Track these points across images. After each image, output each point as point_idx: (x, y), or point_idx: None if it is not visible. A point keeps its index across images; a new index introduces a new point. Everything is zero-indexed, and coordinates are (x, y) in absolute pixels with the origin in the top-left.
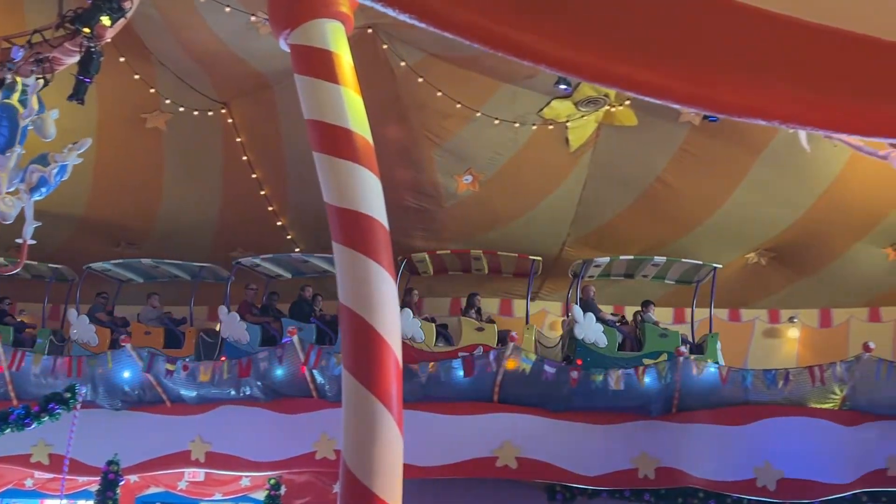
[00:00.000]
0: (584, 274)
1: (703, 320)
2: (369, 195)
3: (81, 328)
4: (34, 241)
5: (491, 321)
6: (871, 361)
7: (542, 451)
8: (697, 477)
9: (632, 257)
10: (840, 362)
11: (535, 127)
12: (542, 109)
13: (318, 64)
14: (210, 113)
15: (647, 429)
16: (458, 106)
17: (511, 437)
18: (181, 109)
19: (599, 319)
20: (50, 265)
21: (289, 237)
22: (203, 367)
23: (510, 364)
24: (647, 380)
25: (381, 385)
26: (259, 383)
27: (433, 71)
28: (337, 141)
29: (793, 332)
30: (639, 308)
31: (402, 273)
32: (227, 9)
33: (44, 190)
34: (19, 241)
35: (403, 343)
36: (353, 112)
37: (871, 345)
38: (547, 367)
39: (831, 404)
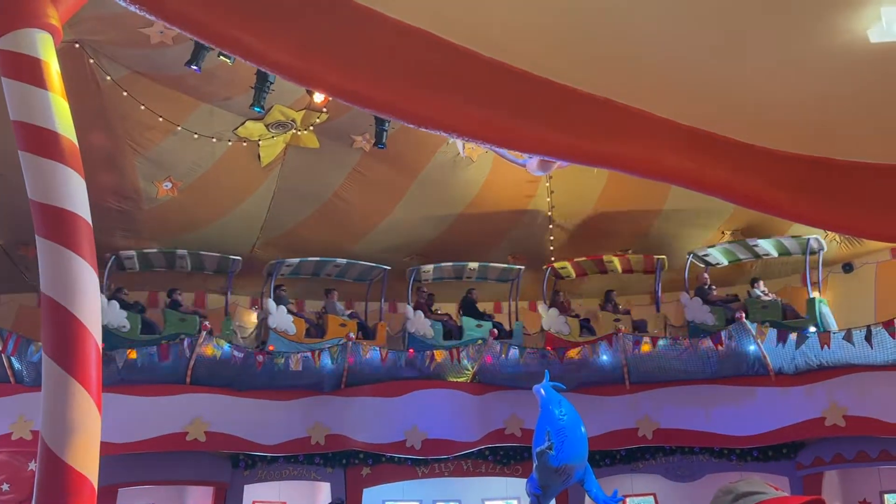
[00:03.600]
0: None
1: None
2: (73, 193)
3: (281, 318)
4: None
5: (627, 312)
6: (495, 344)
7: (229, 425)
8: (360, 441)
9: (318, 259)
10: (472, 345)
11: (230, 143)
12: (237, 128)
13: (26, 70)
14: None
15: (320, 403)
16: (161, 120)
17: (201, 413)
18: None
19: (707, 301)
20: (225, 255)
21: None
22: None
23: (208, 350)
24: (322, 361)
25: (81, 369)
26: None
27: (137, 86)
28: (43, 142)
29: None
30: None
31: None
32: None
33: None
34: None
35: (554, 336)
36: (60, 116)
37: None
38: (236, 353)
39: (464, 378)
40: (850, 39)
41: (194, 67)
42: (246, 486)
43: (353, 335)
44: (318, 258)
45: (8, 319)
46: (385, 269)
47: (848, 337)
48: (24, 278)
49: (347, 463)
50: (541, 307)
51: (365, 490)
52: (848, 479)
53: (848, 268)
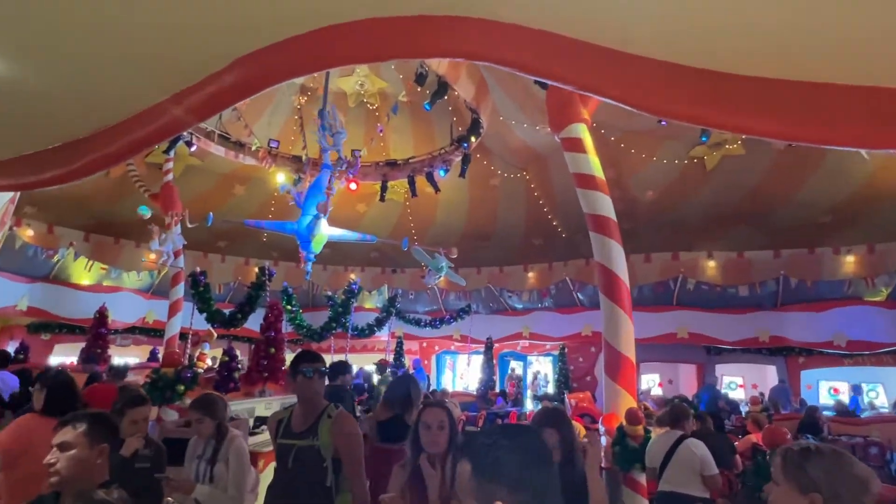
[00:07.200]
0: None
1: None
2: (603, 206)
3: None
4: None
5: None
6: None
7: (703, 328)
8: (794, 340)
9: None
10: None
11: (686, 161)
12: (689, 151)
13: (576, 145)
14: (518, 175)
15: (764, 315)
16: (643, 156)
17: (686, 323)
18: (504, 175)
19: None
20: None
21: (559, 230)
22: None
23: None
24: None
25: (620, 300)
26: (551, 299)
27: (626, 139)
28: (587, 180)
29: None
30: None
31: None
32: (525, 125)
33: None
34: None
35: None
36: (594, 166)
37: None
38: (703, 286)
39: (881, 297)
40: None
41: (664, 122)
42: (717, 365)
43: None
44: None
45: (573, 273)
46: None
47: None
48: (579, 250)
49: (787, 354)
50: None
51: (802, 372)
52: None
53: None
